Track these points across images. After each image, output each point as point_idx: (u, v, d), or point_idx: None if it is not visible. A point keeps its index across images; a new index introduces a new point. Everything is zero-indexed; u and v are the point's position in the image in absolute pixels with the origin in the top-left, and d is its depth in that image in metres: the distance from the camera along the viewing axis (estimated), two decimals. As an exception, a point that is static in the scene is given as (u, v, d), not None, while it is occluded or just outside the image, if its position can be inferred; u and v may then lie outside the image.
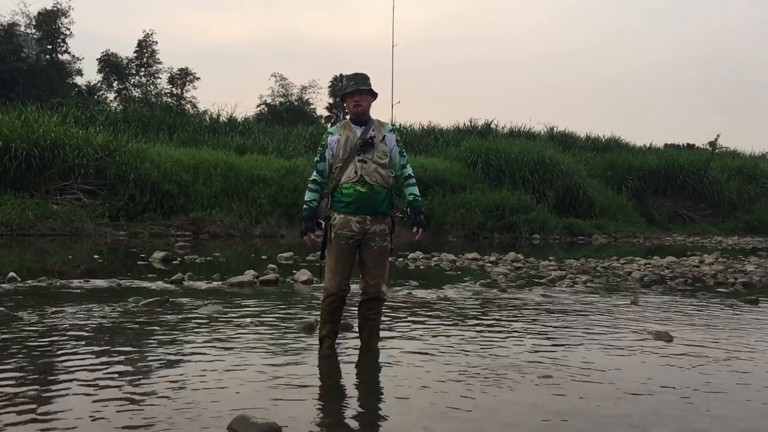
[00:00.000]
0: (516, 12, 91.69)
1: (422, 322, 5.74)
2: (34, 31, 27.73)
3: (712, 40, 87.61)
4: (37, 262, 10.15)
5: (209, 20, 73.05)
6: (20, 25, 27.30)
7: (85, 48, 64.85)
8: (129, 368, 3.98)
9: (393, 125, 4.90)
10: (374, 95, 4.58)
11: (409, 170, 4.62)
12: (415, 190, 4.62)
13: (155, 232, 15.75)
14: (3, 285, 7.13)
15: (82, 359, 4.16)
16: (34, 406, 3.23)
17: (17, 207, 14.62)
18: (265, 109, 33.42)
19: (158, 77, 30.02)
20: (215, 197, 17.37)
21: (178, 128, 23.58)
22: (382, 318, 4.77)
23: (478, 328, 5.52)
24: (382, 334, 4.71)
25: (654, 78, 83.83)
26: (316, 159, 4.59)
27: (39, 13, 27.21)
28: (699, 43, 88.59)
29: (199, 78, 30.22)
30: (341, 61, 73.16)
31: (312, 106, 34.50)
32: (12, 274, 7.55)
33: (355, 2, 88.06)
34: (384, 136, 4.49)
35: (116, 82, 29.39)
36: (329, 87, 36.20)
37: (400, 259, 11.38)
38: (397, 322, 5.69)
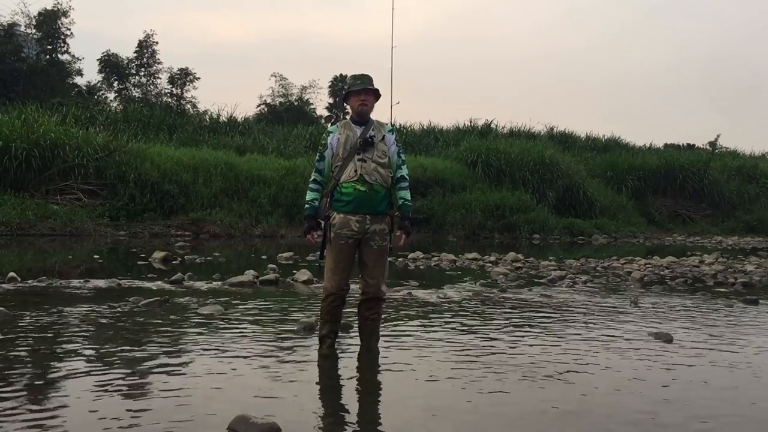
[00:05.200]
0: (516, 12, 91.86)
1: (422, 322, 5.74)
2: (34, 31, 27.74)
3: (712, 40, 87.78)
4: (37, 262, 10.15)
5: (209, 20, 73.14)
6: (20, 25, 27.32)
7: (86, 48, 65.09)
8: (129, 368, 3.98)
9: (392, 125, 4.89)
10: (377, 97, 4.60)
11: (404, 171, 4.57)
12: (407, 194, 4.56)
13: (155, 232, 15.75)
14: (3, 285, 7.13)
15: (82, 359, 4.16)
16: (33, 406, 3.23)
17: (17, 207, 14.62)
18: (265, 109, 33.42)
19: (158, 77, 30.10)
20: (215, 197, 17.38)
21: (178, 128, 23.59)
22: (382, 318, 4.77)
23: (478, 329, 5.52)
24: (382, 333, 4.70)
25: (654, 78, 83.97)
26: (316, 158, 4.60)
27: (39, 13, 27.25)
28: (699, 43, 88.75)
29: (199, 78, 30.27)
30: (341, 61, 73.19)
31: (312, 106, 34.55)
32: (12, 274, 7.55)
33: (356, 3, 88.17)
34: (383, 135, 4.50)
35: (116, 82, 29.41)
36: (329, 87, 36.21)
37: (400, 259, 11.38)
38: (397, 322, 5.69)
